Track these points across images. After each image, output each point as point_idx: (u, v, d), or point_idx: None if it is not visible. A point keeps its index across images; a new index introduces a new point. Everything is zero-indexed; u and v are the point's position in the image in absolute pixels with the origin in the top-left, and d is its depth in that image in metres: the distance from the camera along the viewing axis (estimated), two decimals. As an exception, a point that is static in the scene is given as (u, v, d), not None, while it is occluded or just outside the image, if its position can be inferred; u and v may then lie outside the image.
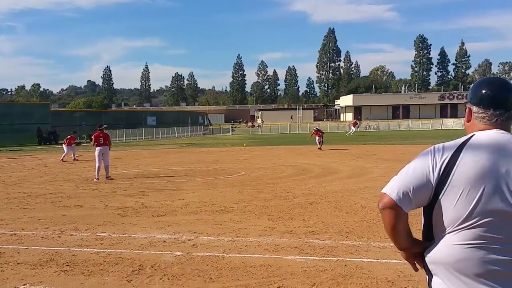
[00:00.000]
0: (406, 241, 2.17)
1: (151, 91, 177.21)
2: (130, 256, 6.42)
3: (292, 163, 18.98)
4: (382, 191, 2.10)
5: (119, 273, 5.74)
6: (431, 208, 2.07)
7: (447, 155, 2.05)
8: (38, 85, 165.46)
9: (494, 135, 2.09)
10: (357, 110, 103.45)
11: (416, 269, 2.27)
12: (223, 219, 8.59)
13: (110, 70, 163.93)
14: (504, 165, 1.99)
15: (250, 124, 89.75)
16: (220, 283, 5.29)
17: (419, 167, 2.08)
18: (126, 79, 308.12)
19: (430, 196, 2.05)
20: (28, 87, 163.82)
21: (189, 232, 7.65)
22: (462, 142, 2.08)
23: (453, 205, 2.01)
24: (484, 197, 1.98)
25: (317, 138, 27.97)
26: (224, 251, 6.50)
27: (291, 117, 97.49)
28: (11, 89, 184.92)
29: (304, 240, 6.90)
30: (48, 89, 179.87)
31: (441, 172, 2.03)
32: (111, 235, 7.61)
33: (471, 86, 2.31)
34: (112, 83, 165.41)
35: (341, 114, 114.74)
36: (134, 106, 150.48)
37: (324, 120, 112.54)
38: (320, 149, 26.89)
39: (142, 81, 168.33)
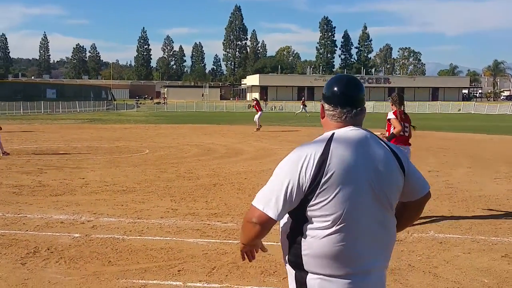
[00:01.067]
0: (259, 240, 2.28)
1: (51, 62, 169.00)
2: (25, 237, 6.19)
3: (197, 143, 18.95)
4: (256, 204, 2.12)
5: (12, 256, 5.53)
6: (303, 209, 2.13)
7: (316, 159, 2.10)
8: None
9: (350, 132, 2.20)
10: (263, 90, 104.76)
11: (250, 259, 2.38)
12: (124, 199, 8.46)
13: (6, 38, 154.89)
14: (369, 163, 2.14)
15: (162, 100, 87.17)
16: (119, 266, 5.25)
17: (290, 175, 2.11)
18: (24, 48, 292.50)
19: (302, 198, 2.11)
20: None
21: (88, 212, 7.48)
22: (326, 143, 2.15)
23: (324, 205, 2.09)
24: (353, 196, 2.09)
25: (258, 114, 25.75)
26: (124, 233, 6.43)
27: (202, 95, 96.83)
28: None
29: (206, 222, 6.98)
30: None
31: (312, 176, 2.08)
32: (5, 215, 7.29)
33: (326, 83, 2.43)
34: (9, 52, 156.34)
35: (248, 94, 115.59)
36: (33, 77, 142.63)
37: (231, 99, 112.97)
38: (259, 129, 25.02)
39: (41, 51, 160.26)
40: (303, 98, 55.27)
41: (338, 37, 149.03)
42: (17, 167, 12.18)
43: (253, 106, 27.17)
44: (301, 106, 49.82)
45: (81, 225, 6.81)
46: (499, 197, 8.81)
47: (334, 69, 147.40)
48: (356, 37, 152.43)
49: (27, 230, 6.51)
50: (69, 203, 8.10)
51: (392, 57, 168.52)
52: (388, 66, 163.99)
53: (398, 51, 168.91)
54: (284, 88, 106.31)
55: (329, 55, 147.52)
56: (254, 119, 25.93)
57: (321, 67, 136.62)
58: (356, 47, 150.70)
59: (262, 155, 15.30)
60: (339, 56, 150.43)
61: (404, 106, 7.73)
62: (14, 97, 50.60)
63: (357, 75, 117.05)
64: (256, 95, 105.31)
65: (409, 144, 7.61)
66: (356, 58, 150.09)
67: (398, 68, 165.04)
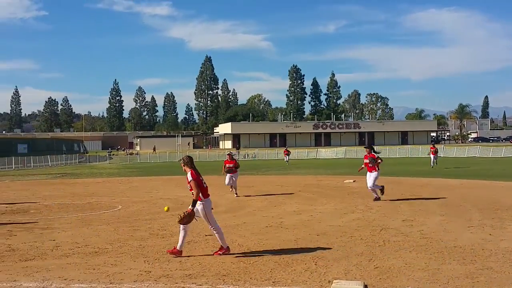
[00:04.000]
0: None
1: (22, 116, 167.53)
2: (-8, 310, 5.96)
3: (170, 196, 18.77)
4: None
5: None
6: None
7: None
8: None
9: None
10: (235, 138, 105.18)
11: None
12: (96, 262, 8.26)
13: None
14: None
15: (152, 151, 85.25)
16: None
17: None
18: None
19: None
20: None
21: (59, 278, 7.25)
22: None
23: None
24: None
25: (228, 177, 18.69)
26: (97, 301, 6.24)
27: (188, 144, 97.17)
28: None
29: (180, 285, 6.81)
30: None
31: None
32: (-28, 285, 7.02)
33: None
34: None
35: (220, 142, 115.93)
36: (4, 131, 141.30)
37: (204, 147, 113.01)
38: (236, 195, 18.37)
39: (12, 105, 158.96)
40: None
41: (308, 84, 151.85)
42: (-15, 230, 11.84)
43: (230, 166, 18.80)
44: (285, 157, 47.07)
45: (52, 293, 6.61)
46: (474, 247, 8.78)
47: (305, 116, 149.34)
48: (325, 84, 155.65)
49: (-6, 301, 6.29)
50: (39, 269, 7.87)
51: (361, 103, 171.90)
52: (357, 111, 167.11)
53: (366, 97, 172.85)
54: (256, 135, 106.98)
55: (299, 102, 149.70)
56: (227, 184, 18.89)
57: (291, 113, 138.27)
58: (325, 94, 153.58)
59: (236, 208, 15.21)
60: (309, 103, 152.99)
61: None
62: (-16, 153, 49.84)
63: (327, 121, 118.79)
64: (228, 143, 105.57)
65: (209, 195, 8.55)
66: (325, 104, 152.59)
67: (367, 113, 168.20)
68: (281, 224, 11.67)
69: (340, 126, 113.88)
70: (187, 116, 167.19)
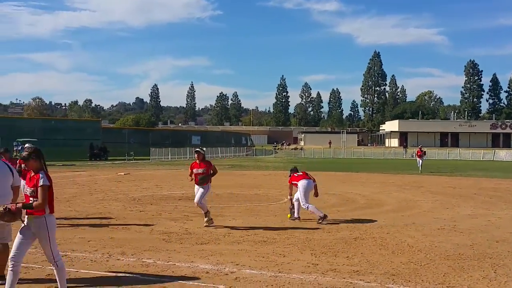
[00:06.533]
0: None
1: (196, 109, 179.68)
2: (174, 286, 6.41)
3: (335, 192, 18.72)
4: None
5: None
6: None
7: None
8: (90, 100, 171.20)
9: None
10: (402, 136, 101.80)
11: None
12: (265, 251, 8.52)
13: (157, 88, 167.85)
14: None
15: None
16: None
17: None
18: (173, 97, 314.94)
19: None
20: (80, 103, 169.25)
21: (231, 263, 7.60)
22: None
23: None
24: None
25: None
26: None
27: (329, 143, 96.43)
28: (65, 104, 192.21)
29: (348, 280, 6.73)
30: (99, 105, 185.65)
31: None
32: (156, 262, 7.65)
33: None
34: (159, 101, 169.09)
35: (386, 140, 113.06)
36: (180, 124, 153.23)
37: (369, 145, 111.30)
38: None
39: (188, 100, 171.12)
40: (420, 146, 36.74)
41: (485, 81, 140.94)
42: (166, 213, 12.92)
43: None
44: (417, 159, 35.01)
45: (225, 276, 6.93)
46: None
47: (481, 114, 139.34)
48: (506, 80, 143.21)
49: (175, 280, 6.73)
50: (214, 253, 8.33)
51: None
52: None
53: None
54: (425, 134, 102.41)
55: (475, 99, 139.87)
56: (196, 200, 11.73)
57: (466, 112, 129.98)
58: (505, 91, 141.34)
59: (404, 207, 14.66)
60: (487, 101, 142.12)
61: None
62: (163, 143, 54.84)
63: (508, 120, 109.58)
64: (395, 141, 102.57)
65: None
66: (505, 103, 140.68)
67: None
68: (455, 227, 11.00)
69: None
70: (352, 113, 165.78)
